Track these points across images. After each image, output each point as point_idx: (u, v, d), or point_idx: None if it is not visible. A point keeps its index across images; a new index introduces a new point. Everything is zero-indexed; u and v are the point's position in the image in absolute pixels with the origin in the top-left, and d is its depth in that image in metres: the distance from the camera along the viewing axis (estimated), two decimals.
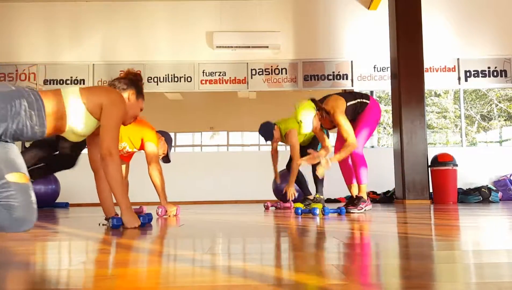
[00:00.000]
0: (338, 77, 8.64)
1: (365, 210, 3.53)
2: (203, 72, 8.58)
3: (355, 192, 3.63)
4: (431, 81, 8.26)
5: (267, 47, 8.54)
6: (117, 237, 1.96)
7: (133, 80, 2.32)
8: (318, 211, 2.92)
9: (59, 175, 6.85)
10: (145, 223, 2.36)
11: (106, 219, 2.37)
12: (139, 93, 2.31)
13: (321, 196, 4.55)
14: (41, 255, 1.52)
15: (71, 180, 6.69)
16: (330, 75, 8.64)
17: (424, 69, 7.04)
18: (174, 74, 8.55)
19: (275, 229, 2.44)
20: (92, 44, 8.47)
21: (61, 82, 8.37)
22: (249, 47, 8.51)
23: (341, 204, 6.34)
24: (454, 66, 8.52)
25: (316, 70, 8.66)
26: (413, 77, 6.75)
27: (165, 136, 3.45)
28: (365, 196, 3.50)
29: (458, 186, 6.65)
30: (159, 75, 8.52)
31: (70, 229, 2.53)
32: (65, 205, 6.96)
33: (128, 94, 2.26)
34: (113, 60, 8.45)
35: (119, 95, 2.12)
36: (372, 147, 9.88)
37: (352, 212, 3.33)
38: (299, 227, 2.50)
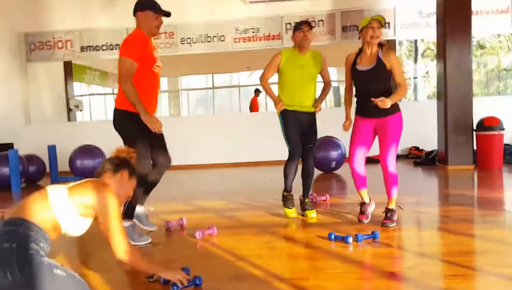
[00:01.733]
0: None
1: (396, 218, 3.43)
2: (236, 30, 8.31)
3: (366, 196, 3.48)
4: (479, 26, 7.56)
5: None
6: None
7: (125, 160, 2.24)
8: (351, 240, 2.91)
9: (105, 147, 7.17)
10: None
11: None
12: (132, 172, 2.24)
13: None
14: None
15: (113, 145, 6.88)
16: None
17: (473, 12, 6.43)
18: (206, 34, 8.34)
19: None
20: (125, 8, 8.30)
21: (97, 48, 8.42)
22: (282, 0, 8.07)
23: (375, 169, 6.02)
24: (507, 7, 7.72)
25: (355, 21, 8.14)
26: (459, 20, 6.20)
27: None
28: (395, 206, 3.39)
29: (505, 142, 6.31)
30: (191, 36, 8.34)
31: None
32: None
33: (119, 175, 2.18)
34: None
35: (107, 191, 1.99)
36: (416, 100, 9.46)
37: (391, 226, 3.26)
38: None
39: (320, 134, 6.66)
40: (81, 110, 10.48)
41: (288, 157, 3.77)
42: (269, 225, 3.53)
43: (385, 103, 3.09)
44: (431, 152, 7.06)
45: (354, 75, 3.34)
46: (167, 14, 3.16)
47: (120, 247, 1.95)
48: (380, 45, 3.27)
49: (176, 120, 10.57)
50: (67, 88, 10.27)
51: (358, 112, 3.42)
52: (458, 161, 6.24)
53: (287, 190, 3.81)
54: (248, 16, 8.23)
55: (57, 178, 7.06)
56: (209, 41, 8.35)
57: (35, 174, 6.99)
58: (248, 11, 8.21)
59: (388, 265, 2.47)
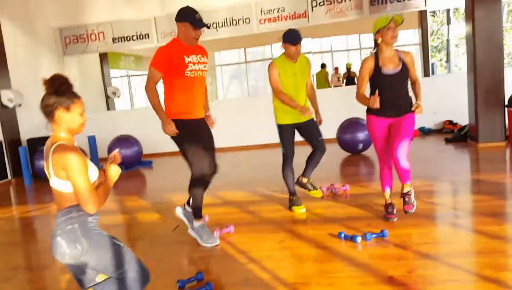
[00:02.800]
0: None
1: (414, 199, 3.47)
2: (261, 11, 8.27)
3: (389, 196, 3.54)
4: None
5: None
6: None
7: (56, 91, 2.05)
8: (359, 239, 3.02)
9: (138, 134, 7.52)
10: None
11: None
12: (66, 106, 2.05)
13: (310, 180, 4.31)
14: None
15: (148, 133, 7.12)
16: None
17: None
18: (232, 17, 8.37)
19: None
20: None
21: (128, 38, 8.68)
22: None
23: (415, 142, 5.79)
24: None
25: None
26: None
27: None
28: (409, 188, 3.44)
29: None
30: (217, 20, 8.40)
31: None
32: (149, 163, 7.70)
33: (57, 117, 2.04)
34: (173, 10, 8.42)
35: (62, 154, 1.96)
36: (450, 72, 9.13)
37: (412, 211, 3.34)
38: None
39: (345, 115, 6.74)
40: (118, 97, 10.90)
41: (283, 160, 3.99)
42: (285, 221, 3.70)
43: (421, 108, 3.18)
44: (464, 127, 6.88)
45: (378, 78, 3.29)
46: (206, 26, 3.21)
47: (87, 207, 1.98)
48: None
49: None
50: (103, 76, 10.70)
51: (374, 112, 3.37)
52: (489, 138, 6.08)
53: (292, 193, 4.02)
54: None
55: (100, 166, 7.52)
56: (234, 24, 8.39)
57: None
58: None
59: (390, 268, 2.58)
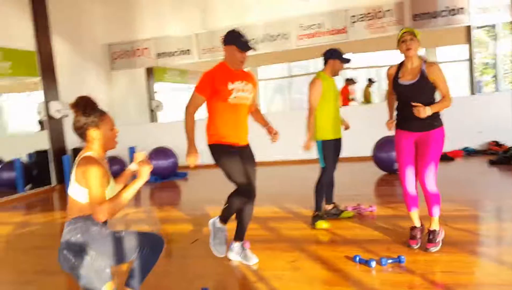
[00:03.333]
0: (453, 12, 7.53)
1: (442, 240, 3.28)
2: (300, 27, 8.29)
3: (416, 220, 3.36)
4: None
5: None
6: None
7: (83, 113, 2.25)
8: (374, 264, 2.90)
9: (177, 146, 7.70)
10: None
11: None
12: (95, 123, 2.25)
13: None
14: None
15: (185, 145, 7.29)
16: (444, 11, 7.57)
17: None
18: (270, 33, 8.44)
19: None
20: (192, 16, 8.78)
21: (170, 54, 8.99)
22: None
23: (457, 163, 5.52)
24: None
25: (426, 7, 7.66)
26: None
27: None
28: (438, 226, 3.25)
29: None
30: (256, 36, 8.50)
31: None
32: (184, 175, 7.86)
33: (90, 136, 2.26)
34: (213, 27, 8.66)
35: (85, 167, 2.16)
36: (496, 91, 8.66)
37: (434, 251, 3.16)
38: None
39: (382, 133, 6.54)
40: (161, 110, 11.24)
41: (320, 175, 3.95)
42: (303, 240, 3.63)
43: (424, 111, 2.99)
44: (510, 149, 6.48)
45: (396, 88, 3.25)
46: (252, 49, 3.19)
47: (98, 215, 2.10)
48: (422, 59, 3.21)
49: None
50: (149, 89, 11.10)
51: (399, 126, 3.31)
52: None
53: (318, 209, 3.97)
54: (311, 12, 8.16)
55: (136, 177, 7.78)
56: (273, 40, 8.45)
57: (118, 172, 7.76)
58: (310, 7, 8.13)
59: None
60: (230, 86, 3.10)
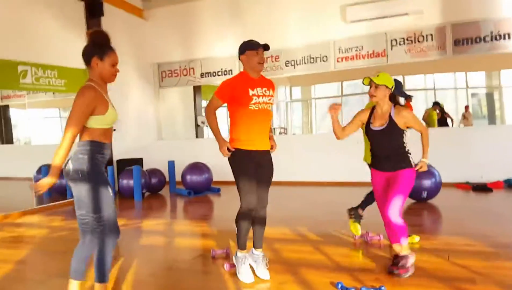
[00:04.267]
0: (498, 38, 7.25)
1: (412, 264, 3.29)
2: (339, 50, 8.36)
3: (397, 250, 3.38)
4: None
5: (407, 14, 7.72)
6: None
7: (87, 49, 2.61)
8: None
9: (213, 162, 8.00)
10: None
11: None
12: (100, 54, 2.59)
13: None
14: None
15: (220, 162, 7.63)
16: (488, 36, 7.31)
17: None
18: (309, 55, 8.59)
19: None
20: (235, 38, 9.14)
21: (213, 74, 9.41)
22: (386, 17, 7.85)
23: (494, 195, 5.41)
24: None
25: (469, 33, 7.45)
26: None
27: None
28: (408, 251, 3.30)
29: None
30: (295, 58, 8.70)
31: None
32: (218, 190, 8.14)
33: (94, 64, 2.60)
34: None
35: (77, 94, 2.54)
36: None
37: (402, 276, 3.17)
38: None
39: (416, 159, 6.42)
40: (207, 126, 11.71)
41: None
42: (299, 264, 3.70)
43: (425, 165, 3.30)
44: None
45: (368, 132, 3.43)
46: (266, 47, 3.28)
47: (65, 132, 2.47)
48: (394, 101, 3.35)
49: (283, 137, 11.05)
50: (195, 106, 11.63)
51: (373, 165, 3.53)
52: None
53: (359, 206, 4.41)
54: (349, 35, 8.22)
55: (174, 189, 8.19)
56: (312, 62, 8.59)
57: (157, 185, 8.23)
58: (349, 30, 8.20)
59: None
60: (250, 92, 3.23)
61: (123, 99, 8.98)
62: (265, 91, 3.32)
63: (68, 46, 7.65)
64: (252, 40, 3.34)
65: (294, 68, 8.74)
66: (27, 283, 3.64)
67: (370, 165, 3.52)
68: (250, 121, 3.26)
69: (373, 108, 3.43)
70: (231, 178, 3.35)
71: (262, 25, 8.92)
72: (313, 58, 8.57)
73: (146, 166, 8.92)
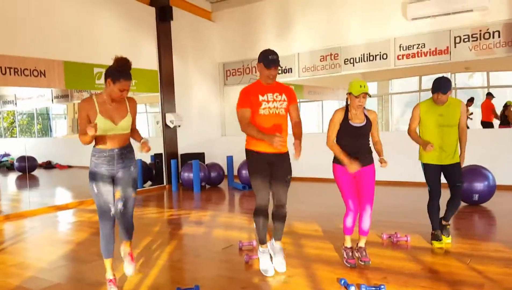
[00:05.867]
0: None
1: None
2: (400, 47, 8.17)
3: (350, 241, 3.81)
4: None
5: (471, 10, 7.33)
6: None
7: (108, 71, 3.08)
8: (353, 289, 3.06)
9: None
10: None
11: None
12: (114, 78, 3.04)
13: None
14: None
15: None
16: None
17: None
18: (369, 53, 8.50)
19: None
20: (294, 37, 9.35)
21: None
22: (449, 13, 7.52)
23: None
24: None
25: None
26: None
27: None
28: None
29: None
30: (354, 56, 8.65)
31: None
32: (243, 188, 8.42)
33: (107, 83, 3.09)
34: (315, 47, 9.10)
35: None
36: None
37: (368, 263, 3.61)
38: None
39: (468, 161, 6.16)
40: None
41: (429, 197, 4.22)
42: (314, 259, 3.88)
43: (386, 163, 3.58)
44: None
45: (346, 128, 3.64)
46: (278, 65, 3.44)
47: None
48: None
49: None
50: None
51: (338, 161, 3.66)
52: None
53: (434, 228, 4.22)
54: (411, 33, 8.00)
55: (232, 183, 8.65)
56: (371, 60, 8.50)
57: (216, 178, 8.75)
58: (411, 28, 7.98)
59: None
60: (260, 98, 3.45)
61: (188, 97, 9.62)
62: (276, 96, 3.51)
63: (139, 49, 8.43)
64: (271, 55, 3.42)
65: (353, 66, 8.70)
66: (75, 262, 4.20)
67: (336, 162, 3.67)
68: (262, 126, 3.45)
69: (346, 110, 3.66)
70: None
71: (322, 24, 9.00)
72: (372, 55, 8.47)
73: (208, 160, 9.49)
